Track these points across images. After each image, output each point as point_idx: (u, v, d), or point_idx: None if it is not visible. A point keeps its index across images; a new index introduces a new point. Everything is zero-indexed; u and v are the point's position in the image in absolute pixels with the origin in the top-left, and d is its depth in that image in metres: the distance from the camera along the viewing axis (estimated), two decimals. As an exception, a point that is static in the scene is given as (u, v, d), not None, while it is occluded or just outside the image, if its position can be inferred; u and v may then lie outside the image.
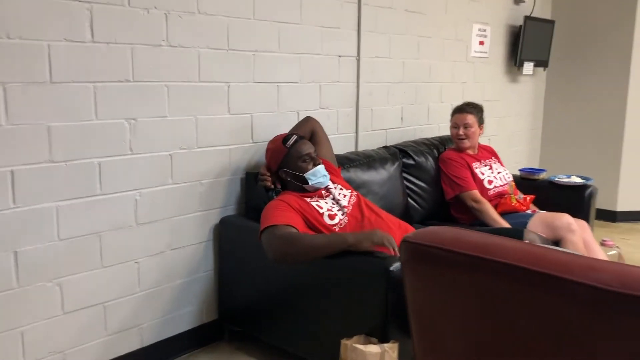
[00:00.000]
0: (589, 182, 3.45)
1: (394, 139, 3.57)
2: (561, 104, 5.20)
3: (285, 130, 2.72)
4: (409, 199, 3.20)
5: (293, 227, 2.16)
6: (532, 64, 4.75)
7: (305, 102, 2.96)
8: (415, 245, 1.07)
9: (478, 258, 0.95)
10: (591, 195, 3.41)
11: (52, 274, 2.10)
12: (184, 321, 2.58)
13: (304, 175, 2.37)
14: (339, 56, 3.12)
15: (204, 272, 2.63)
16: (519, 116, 5.00)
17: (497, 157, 3.53)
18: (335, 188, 2.48)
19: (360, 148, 3.33)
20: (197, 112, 2.47)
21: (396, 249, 2.01)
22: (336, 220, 2.32)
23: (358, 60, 3.24)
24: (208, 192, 2.57)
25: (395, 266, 1.98)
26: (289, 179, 2.42)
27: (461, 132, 3.29)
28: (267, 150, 2.51)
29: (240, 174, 2.69)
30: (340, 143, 3.17)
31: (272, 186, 2.47)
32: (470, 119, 3.30)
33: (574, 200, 3.40)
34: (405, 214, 3.10)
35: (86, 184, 2.15)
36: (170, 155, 2.40)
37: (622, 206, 4.94)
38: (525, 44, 4.56)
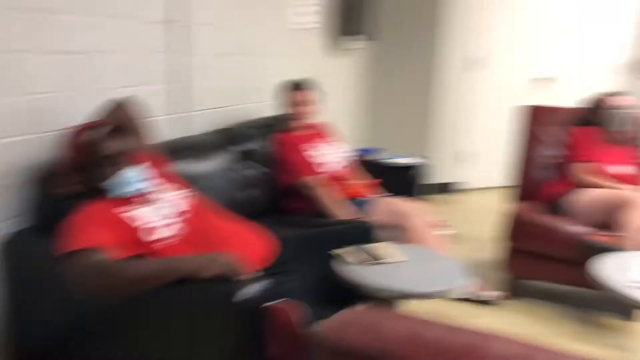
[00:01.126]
0: (414, 162, 3.37)
1: (222, 120, 3.11)
2: (385, 79, 5.10)
3: (89, 116, 2.13)
4: (249, 191, 2.80)
5: (104, 249, 1.66)
6: (358, 36, 4.57)
7: (115, 78, 2.38)
8: (339, 349, 0.65)
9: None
10: (416, 176, 3.36)
11: None
12: (-42, 377, 1.91)
13: (103, 184, 1.86)
14: (151, 23, 2.57)
15: (-14, 307, 1.97)
16: (345, 93, 4.83)
17: (334, 136, 3.30)
18: (160, 190, 1.98)
19: (188, 133, 2.82)
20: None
21: (249, 274, 1.62)
22: (161, 235, 1.84)
23: (183, 27, 2.72)
24: (-16, 201, 1.90)
25: (243, 294, 1.57)
26: (87, 185, 1.89)
27: (300, 110, 3.01)
28: (62, 146, 1.92)
29: (29, 175, 2.04)
30: (161, 128, 2.64)
31: (71, 191, 1.89)
32: (309, 95, 3.03)
33: (400, 181, 3.32)
34: (248, 209, 2.69)
35: None
36: None
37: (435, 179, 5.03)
38: (354, 14, 4.38)
